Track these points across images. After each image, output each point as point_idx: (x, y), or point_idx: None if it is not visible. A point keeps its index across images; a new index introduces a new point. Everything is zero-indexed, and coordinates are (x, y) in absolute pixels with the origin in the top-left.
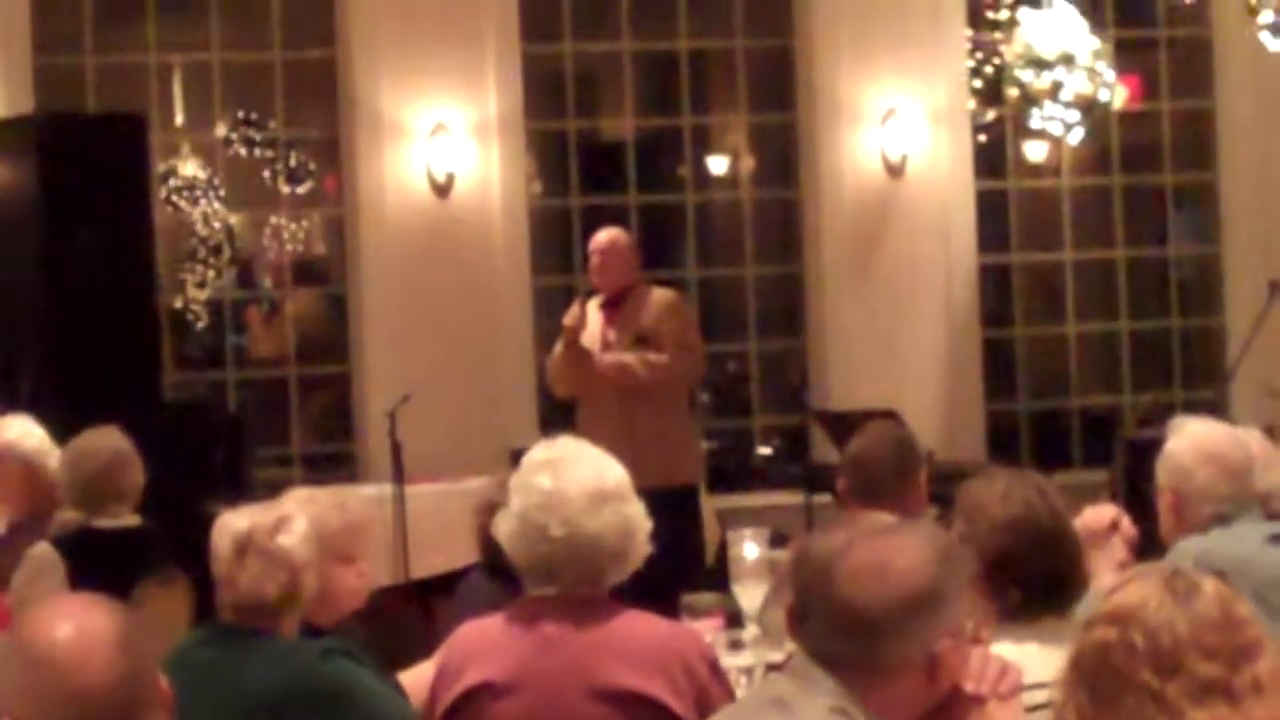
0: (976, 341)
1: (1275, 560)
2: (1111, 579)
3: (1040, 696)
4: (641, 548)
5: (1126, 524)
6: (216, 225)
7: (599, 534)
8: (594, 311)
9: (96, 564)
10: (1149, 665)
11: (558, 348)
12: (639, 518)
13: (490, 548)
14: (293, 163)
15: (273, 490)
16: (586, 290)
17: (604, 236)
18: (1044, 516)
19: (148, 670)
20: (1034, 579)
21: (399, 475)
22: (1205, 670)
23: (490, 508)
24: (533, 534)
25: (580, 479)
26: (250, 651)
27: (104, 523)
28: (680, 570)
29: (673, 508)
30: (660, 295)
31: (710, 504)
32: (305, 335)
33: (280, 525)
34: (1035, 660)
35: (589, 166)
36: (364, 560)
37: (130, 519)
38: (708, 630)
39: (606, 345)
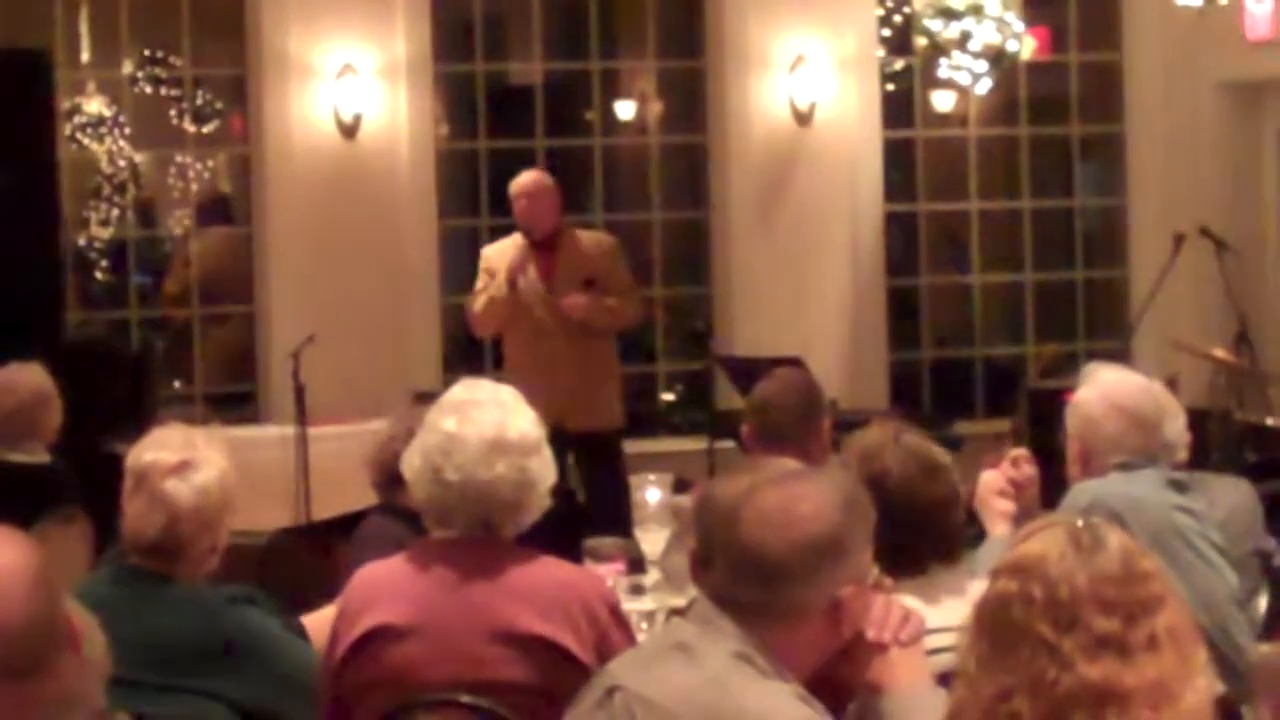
0: (881, 290)
1: (1170, 502)
2: (1004, 528)
3: (938, 640)
4: (540, 500)
5: (1020, 474)
6: (122, 163)
7: (492, 484)
8: (519, 252)
9: (2, 498)
10: (1046, 618)
11: (493, 289)
12: (539, 471)
13: (385, 489)
14: (199, 101)
15: None
16: (494, 230)
17: (529, 179)
18: (893, 484)
19: (61, 607)
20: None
21: (302, 416)
22: (1101, 625)
23: (386, 447)
24: (428, 475)
25: (481, 427)
26: (152, 596)
27: (15, 458)
28: (607, 516)
29: (599, 451)
30: (599, 238)
31: None
32: (209, 275)
33: (179, 469)
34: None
35: (497, 109)
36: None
37: (41, 456)
38: (610, 574)
39: (550, 288)
